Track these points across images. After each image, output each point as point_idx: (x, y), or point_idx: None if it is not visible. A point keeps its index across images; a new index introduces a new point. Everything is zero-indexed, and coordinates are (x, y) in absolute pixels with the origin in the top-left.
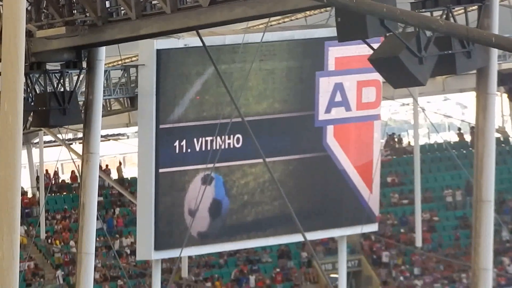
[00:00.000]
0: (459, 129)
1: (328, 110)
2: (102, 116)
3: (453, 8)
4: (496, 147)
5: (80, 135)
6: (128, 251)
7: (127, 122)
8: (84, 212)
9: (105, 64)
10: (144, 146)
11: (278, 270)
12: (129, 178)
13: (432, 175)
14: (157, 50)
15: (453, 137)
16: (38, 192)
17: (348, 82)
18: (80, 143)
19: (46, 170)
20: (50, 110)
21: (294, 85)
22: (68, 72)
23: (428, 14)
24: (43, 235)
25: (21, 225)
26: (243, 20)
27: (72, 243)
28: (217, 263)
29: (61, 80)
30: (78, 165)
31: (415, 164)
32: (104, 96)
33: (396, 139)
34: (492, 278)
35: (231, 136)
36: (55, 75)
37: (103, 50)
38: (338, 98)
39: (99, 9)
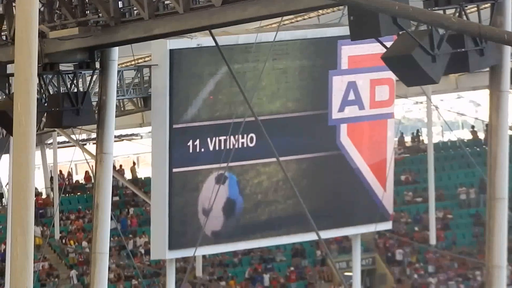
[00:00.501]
0: (473, 127)
1: (341, 109)
2: (116, 117)
3: (466, 6)
4: (510, 144)
5: (93, 135)
6: (142, 251)
7: (140, 122)
8: (98, 212)
9: (118, 65)
10: (157, 146)
11: (292, 268)
12: (143, 178)
13: (445, 173)
14: (170, 50)
15: (467, 135)
16: (52, 193)
17: (361, 80)
18: (93, 143)
19: (60, 171)
20: (64, 111)
21: (307, 84)
22: (81, 72)
23: (441, 12)
24: (57, 235)
25: (35, 225)
26: (255, 20)
27: (85, 243)
28: (231, 262)
29: (75, 81)
30: (92, 166)
31: (428, 162)
32: (117, 96)
33: (411, 137)
34: (506, 275)
35: (245, 136)
36: (68, 76)
37: (116, 50)
38: (351, 96)
39: (112, 9)
